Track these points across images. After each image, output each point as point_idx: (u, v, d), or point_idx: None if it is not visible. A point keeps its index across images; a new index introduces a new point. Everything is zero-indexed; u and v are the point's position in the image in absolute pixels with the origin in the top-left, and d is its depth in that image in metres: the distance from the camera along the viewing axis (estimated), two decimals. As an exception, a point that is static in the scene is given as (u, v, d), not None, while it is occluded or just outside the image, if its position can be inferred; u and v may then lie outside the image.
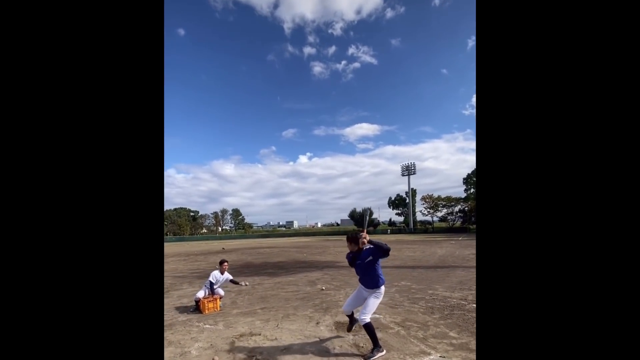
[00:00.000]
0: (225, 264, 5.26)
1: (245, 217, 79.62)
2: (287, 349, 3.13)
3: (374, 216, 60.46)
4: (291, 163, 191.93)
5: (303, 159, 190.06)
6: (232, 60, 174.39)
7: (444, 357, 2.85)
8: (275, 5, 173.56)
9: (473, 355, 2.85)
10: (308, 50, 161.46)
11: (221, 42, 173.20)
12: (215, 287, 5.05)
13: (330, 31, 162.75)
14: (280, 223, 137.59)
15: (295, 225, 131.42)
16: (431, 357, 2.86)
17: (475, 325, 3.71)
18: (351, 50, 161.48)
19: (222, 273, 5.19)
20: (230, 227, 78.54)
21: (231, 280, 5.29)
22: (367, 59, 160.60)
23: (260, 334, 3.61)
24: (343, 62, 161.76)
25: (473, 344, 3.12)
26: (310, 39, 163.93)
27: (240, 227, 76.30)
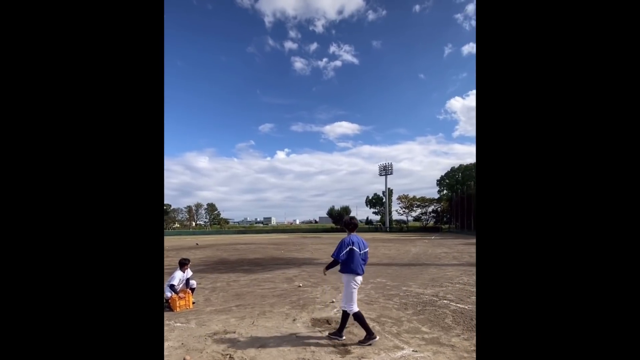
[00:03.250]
0: (186, 265, 4.99)
1: (220, 212, 77.60)
2: (263, 347, 3.09)
3: (351, 214, 61.28)
4: (268, 158, 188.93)
5: (281, 154, 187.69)
6: (210, 49, 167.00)
7: (416, 351, 2.95)
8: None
9: (443, 349, 2.98)
10: (289, 45, 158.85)
11: (199, 30, 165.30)
12: (177, 287, 4.74)
13: (311, 28, 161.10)
14: (258, 219, 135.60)
15: (273, 221, 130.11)
16: (404, 351, 2.96)
17: (445, 320, 3.89)
18: (333, 48, 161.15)
19: (183, 272, 4.93)
20: (204, 222, 76.14)
21: (188, 279, 4.98)
22: (349, 58, 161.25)
23: (234, 332, 3.53)
24: (324, 60, 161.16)
25: (444, 339, 3.26)
26: (292, 34, 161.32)
27: (216, 222, 74.20)
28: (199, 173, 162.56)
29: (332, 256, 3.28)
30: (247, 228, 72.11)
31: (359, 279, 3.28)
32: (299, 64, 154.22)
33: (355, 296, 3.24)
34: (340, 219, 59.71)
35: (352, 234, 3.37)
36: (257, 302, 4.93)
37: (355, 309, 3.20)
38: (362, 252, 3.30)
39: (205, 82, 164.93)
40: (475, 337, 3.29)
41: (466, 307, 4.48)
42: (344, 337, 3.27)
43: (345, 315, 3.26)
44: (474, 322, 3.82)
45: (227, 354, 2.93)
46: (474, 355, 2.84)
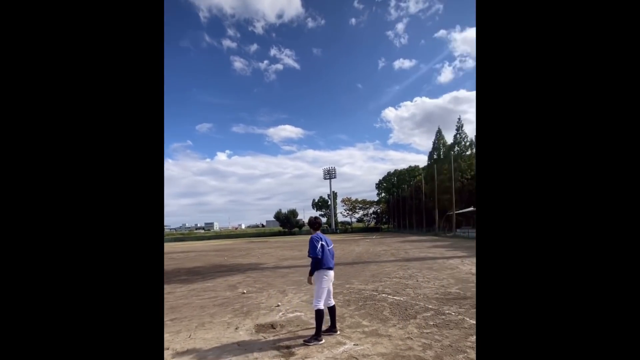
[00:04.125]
0: None
1: (154, 219, 69.39)
2: (201, 361, 2.87)
3: (298, 217, 61.52)
4: (208, 160, 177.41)
5: (222, 156, 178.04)
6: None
7: (357, 344, 3.11)
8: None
9: (381, 340, 3.20)
10: (228, 43, 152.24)
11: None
12: None
13: (251, 29, 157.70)
14: (199, 225, 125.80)
15: (216, 227, 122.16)
16: (346, 346, 3.08)
17: (383, 313, 4.18)
18: (273, 51, 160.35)
19: None
20: (133, 230, 67.08)
21: None
22: (290, 62, 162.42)
23: (168, 348, 3.20)
24: (265, 62, 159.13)
25: (382, 330, 3.50)
26: (230, 32, 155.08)
27: (147, 229, 66.07)
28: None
29: (309, 255, 3.29)
30: (185, 235, 66.22)
31: (331, 273, 3.38)
32: (238, 63, 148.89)
33: (325, 293, 3.29)
34: (288, 222, 59.39)
35: (317, 232, 3.48)
36: (195, 314, 4.56)
37: (321, 306, 3.24)
38: (329, 247, 3.42)
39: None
40: (409, 326, 3.62)
41: (402, 299, 4.90)
42: (338, 331, 3.41)
43: (317, 313, 3.24)
44: (408, 311, 4.20)
45: (158, 374, 2.63)
46: (408, 342, 3.12)
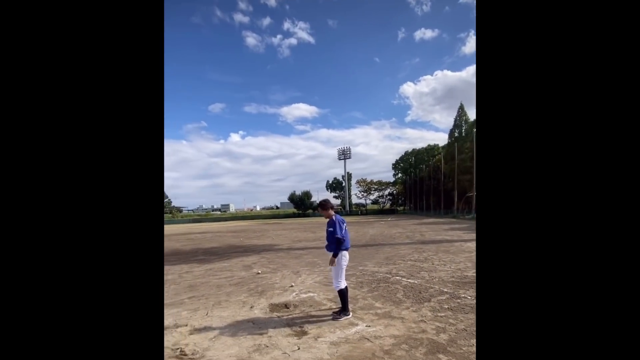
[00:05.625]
0: None
1: (172, 200, 72.40)
2: (217, 337, 2.97)
3: (312, 199, 62.09)
4: (222, 141, 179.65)
5: (235, 137, 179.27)
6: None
7: (369, 326, 3.11)
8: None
9: (394, 322, 3.18)
10: (240, 17, 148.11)
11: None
12: None
13: (263, 1, 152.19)
14: (215, 206, 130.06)
15: (232, 208, 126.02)
16: (358, 327, 3.09)
17: (397, 295, 4.15)
18: (287, 24, 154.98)
19: None
20: (155, 211, 70.26)
21: None
22: (304, 36, 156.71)
23: (186, 325, 3.34)
24: (279, 36, 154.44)
25: (395, 312, 3.48)
26: (242, 5, 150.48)
27: (167, 211, 69.20)
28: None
29: (336, 236, 3.32)
30: (202, 216, 68.77)
31: (347, 254, 3.47)
32: (251, 39, 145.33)
33: (344, 273, 3.39)
34: (302, 204, 60.20)
35: (335, 213, 3.55)
36: (212, 293, 4.73)
37: (342, 285, 3.35)
38: (345, 228, 3.50)
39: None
40: (423, 309, 3.57)
41: (416, 282, 4.85)
42: (350, 314, 3.41)
43: (341, 292, 3.40)
44: (422, 294, 4.16)
45: (178, 348, 2.75)
46: (421, 325, 3.08)
